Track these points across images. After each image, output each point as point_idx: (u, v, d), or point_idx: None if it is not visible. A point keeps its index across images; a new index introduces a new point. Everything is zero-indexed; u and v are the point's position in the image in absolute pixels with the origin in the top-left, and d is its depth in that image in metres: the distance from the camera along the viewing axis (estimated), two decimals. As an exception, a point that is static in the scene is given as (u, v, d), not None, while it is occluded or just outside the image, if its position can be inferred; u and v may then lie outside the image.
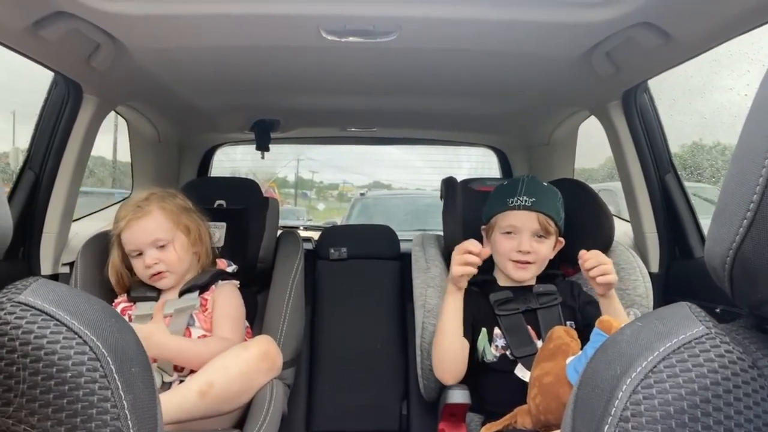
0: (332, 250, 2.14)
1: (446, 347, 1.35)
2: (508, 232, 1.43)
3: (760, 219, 0.43)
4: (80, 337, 0.41)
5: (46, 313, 0.41)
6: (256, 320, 1.65)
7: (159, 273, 1.43)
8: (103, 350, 0.41)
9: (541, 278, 1.48)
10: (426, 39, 1.25)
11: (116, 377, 0.41)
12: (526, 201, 1.41)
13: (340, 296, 2.08)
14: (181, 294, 1.46)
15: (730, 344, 0.44)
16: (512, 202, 1.42)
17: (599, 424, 0.44)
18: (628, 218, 1.83)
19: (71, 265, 1.61)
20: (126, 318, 1.40)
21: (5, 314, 0.41)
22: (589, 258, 1.25)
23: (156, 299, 1.46)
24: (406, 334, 1.97)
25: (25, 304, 0.41)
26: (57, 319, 0.41)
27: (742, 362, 0.43)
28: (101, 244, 1.55)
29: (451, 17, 1.14)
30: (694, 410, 0.41)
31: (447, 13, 1.12)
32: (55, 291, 0.45)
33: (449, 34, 1.22)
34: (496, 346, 1.40)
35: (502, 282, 1.48)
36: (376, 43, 1.25)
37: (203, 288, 1.48)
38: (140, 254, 1.43)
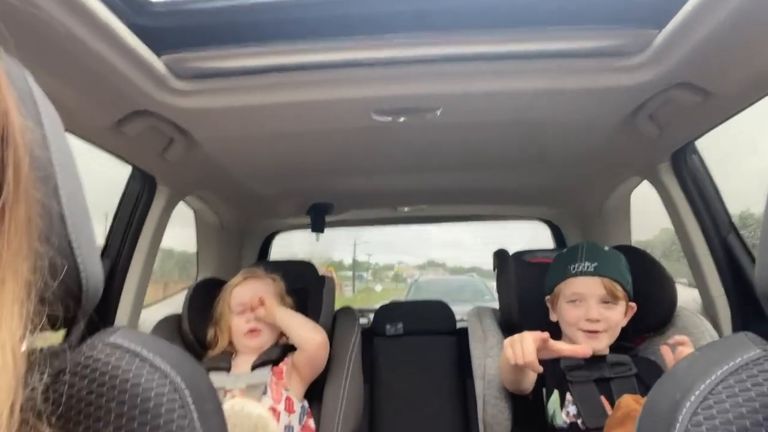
0: (388, 326, 2.14)
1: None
2: (573, 300, 1.39)
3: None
4: (162, 371, 0.46)
5: (132, 352, 0.46)
6: (314, 398, 1.64)
7: (256, 330, 1.56)
8: (182, 384, 0.46)
9: (614, 349, 1.41)
10: (467, 113, 1.31)
11: (192, 408, 0.45)
12: (588, 266, 1.38)
13: (397, 373, 2.05)
14: (254, 368, 1.50)
15: None
16: (574, 269, 1.40)
17: None
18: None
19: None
20: None
21: (97, 353, 0.46)
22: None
23: (228, 370, 1.51)
24: (467, 410, 1.90)
25: (114, 345, 0.47)
26: (142, 357, 0.46)
27: None
28: (169, 328, 1.63)
29: (490, 90, 1.18)
30: (757, 428, 0.40)
31: (486, 87, 1.17)
32: (139, 336, 0.50)
33: (490, 107, 1.28)
34: (567, 412, 1.33)
35: None
36: (421, 121, 1.32)
37: (275, 362, 1.52)
38: (243, 312, 1.58)
